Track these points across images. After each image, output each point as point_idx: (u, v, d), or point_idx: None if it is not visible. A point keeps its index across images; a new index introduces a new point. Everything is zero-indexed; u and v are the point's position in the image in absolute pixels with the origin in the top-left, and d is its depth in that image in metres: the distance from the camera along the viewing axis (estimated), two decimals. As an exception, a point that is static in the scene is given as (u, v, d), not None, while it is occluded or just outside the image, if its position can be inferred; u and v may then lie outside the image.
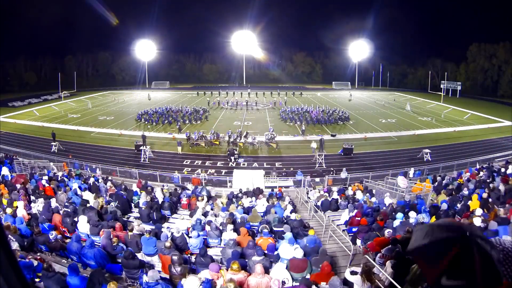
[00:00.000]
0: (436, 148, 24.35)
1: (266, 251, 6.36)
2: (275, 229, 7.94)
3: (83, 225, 7.52)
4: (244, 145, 24.96)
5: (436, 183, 14.48)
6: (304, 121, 32.74)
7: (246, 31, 69.22)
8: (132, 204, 10.84)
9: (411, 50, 70.70)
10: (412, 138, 27.99)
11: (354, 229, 8.41)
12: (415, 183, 14.89)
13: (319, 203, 11.59)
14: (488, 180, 12.50)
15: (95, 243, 6.49)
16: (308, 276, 5.71)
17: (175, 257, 5.38)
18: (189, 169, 20.61)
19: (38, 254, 6.31)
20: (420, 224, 7.64)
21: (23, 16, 55.55)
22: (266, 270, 5.48)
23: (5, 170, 12.46)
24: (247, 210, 9.95)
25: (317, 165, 21.15)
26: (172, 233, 7.22)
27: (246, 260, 5.97)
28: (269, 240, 6.90)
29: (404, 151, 24.37)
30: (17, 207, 7.94)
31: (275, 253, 6.46)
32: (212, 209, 9.84)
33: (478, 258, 1.13)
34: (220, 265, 6.30)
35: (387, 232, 6.99)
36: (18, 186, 10.30)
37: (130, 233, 7.14)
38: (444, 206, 9.20)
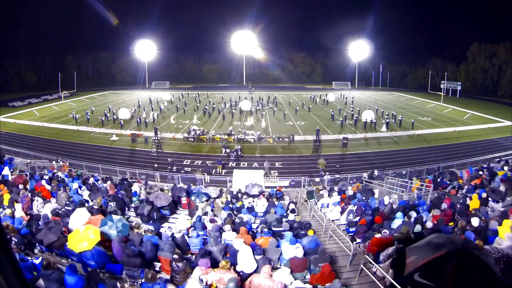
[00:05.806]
0: (436, 148, 24.35)
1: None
2: (274, 229, 7.92)
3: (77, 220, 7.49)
4: (234, 141, 25.52)
5: (437, 180, 14.46)
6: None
7: (246, 31, 69.21)
8: (132, 204, 10.82)
9: (411, 50, 70.64)
10: (412, 138, 27.98)
11: (351, 229, 8.41)
12: (415, 183, 14.84)
13: (319, 203, 11.55)
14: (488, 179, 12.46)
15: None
16: (308, 276, 5.69)
17: (176, 255, 5.41)
18: (189, 169, 20.62)
19: (38, 254, 6.31)
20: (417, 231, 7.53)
21: (23, 16, 55.48)
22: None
23: (5, 170, 12.43)
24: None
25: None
26: (172, 233, 7.22)
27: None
28: (269, 239, 6.85)
29: (404, 151, 24.37)
30: (14, 209, 7.92)
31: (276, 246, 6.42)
32: (212, 209, 9.83)
33: (474, 268, 1.14)
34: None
35: (383, 232, 6.98)
36: (20, 186, 10.27)
37: (136, 231, 7.15)
38: (444, 206, 9.19)
